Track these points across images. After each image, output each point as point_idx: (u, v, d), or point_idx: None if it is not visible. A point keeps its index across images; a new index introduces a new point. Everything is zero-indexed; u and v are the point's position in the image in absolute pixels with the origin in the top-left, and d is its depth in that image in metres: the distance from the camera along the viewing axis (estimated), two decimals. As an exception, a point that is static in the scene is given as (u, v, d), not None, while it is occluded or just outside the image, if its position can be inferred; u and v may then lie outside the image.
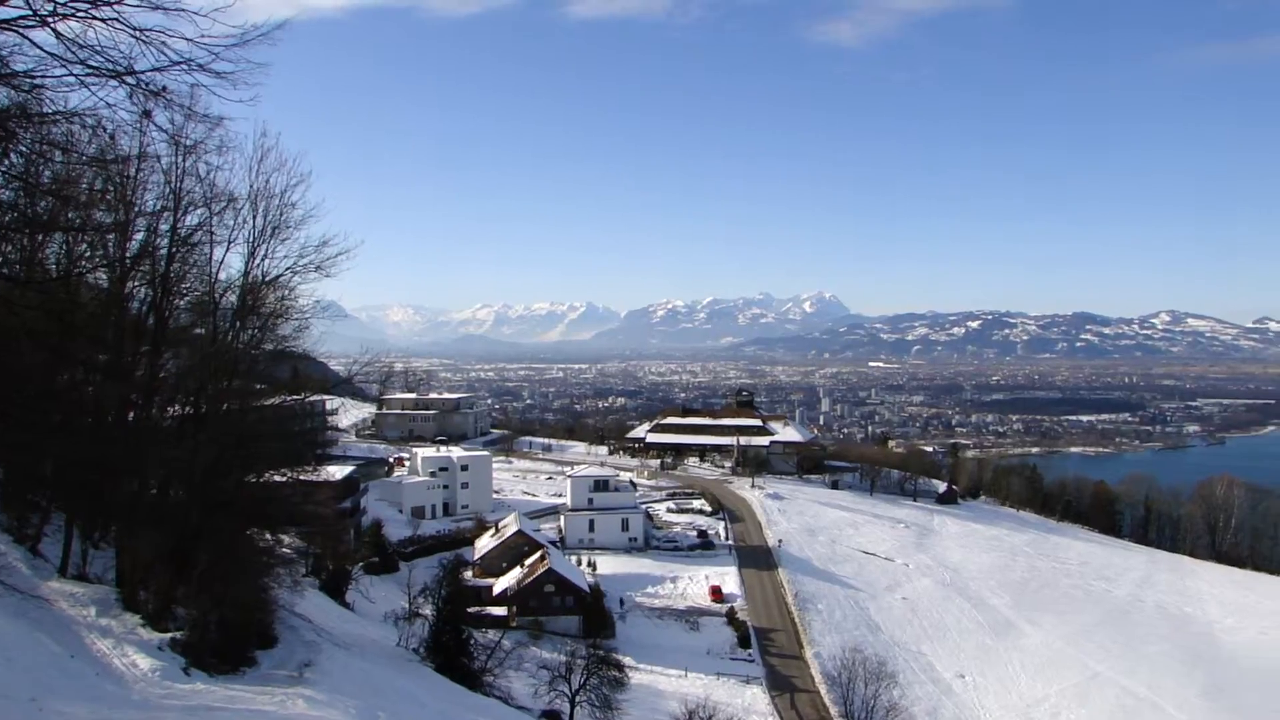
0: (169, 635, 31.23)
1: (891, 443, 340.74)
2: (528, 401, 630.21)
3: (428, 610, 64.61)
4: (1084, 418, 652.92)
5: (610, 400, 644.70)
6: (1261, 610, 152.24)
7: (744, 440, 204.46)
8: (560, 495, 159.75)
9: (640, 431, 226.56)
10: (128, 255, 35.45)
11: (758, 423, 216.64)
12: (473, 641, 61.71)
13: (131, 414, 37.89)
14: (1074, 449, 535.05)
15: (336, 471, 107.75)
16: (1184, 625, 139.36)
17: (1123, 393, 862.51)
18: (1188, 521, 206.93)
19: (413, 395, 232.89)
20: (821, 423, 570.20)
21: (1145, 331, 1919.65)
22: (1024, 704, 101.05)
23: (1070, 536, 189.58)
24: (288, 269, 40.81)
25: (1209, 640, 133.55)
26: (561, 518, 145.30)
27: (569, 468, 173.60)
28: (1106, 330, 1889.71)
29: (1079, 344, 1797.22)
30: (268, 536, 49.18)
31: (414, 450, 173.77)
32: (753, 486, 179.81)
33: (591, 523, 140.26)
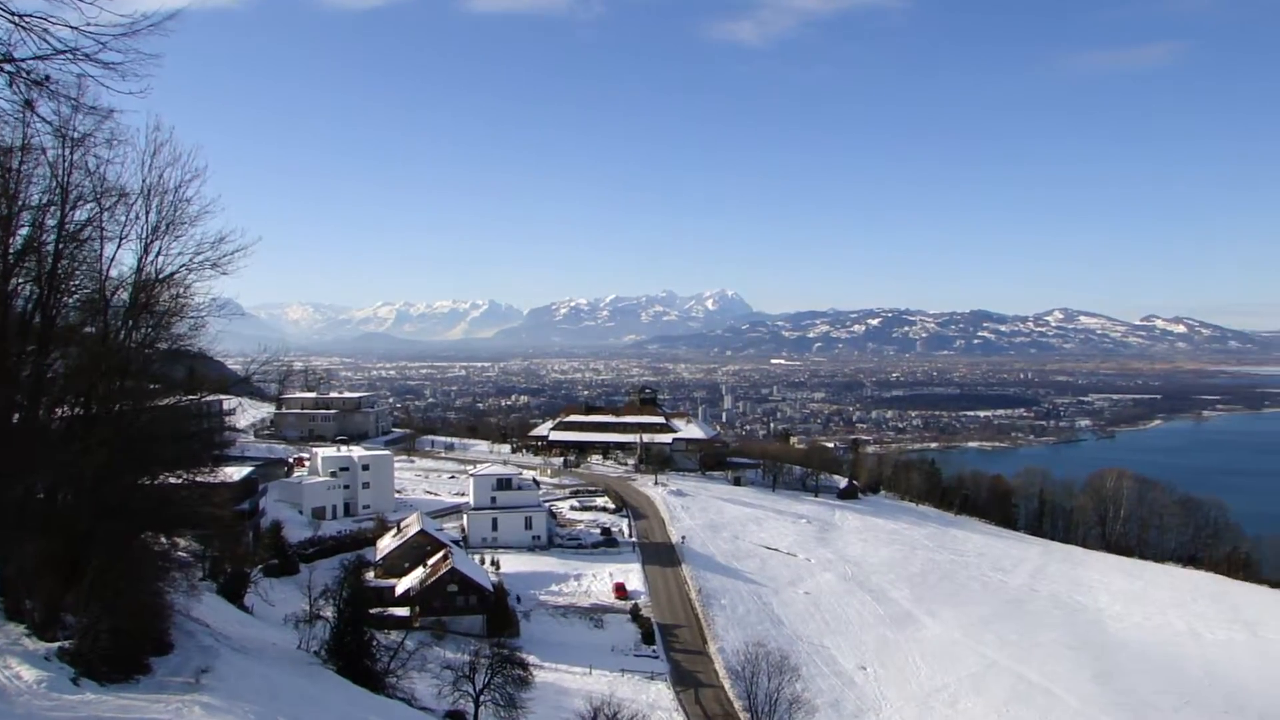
0: (56, 645, 30.26)
1: (793, 439, 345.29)
2: (430, 400, 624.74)
3: (329, 612, 63.52)
4: (981, 413, 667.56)
5: (513, 398, 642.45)
6: (1148, 597, 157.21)
7: (647, 438, 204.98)
8: (463, 494, 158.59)
9: (543, 429, 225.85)
10: (11, 251, 34.23)
11: (661, 420, 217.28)
12: (375, 643, 60.81)
13: (16, 416, 36.64)
14: (972, 444, 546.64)
15: (234, 472, 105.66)
16: (1076, 614, 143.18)
17: (1018, 388, 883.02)
18: (1080, 513, 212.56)
19: (313, 394, 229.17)
20: (724, 420, 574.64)
21: (1040, 329, 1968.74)
22: (923, 693, 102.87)
23: (968, 529, 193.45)
24: (183, 266, 39.69)
25: (1099, 627, 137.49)
26: (464, 517, 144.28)
27: (472, 466, 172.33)
28: (1003, 328, 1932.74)
29: (976, 341, 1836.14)
30: (163, 540, 47.93)
31: (314, 450, 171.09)
32: (656, 484, 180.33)
33: (495, 521, 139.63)
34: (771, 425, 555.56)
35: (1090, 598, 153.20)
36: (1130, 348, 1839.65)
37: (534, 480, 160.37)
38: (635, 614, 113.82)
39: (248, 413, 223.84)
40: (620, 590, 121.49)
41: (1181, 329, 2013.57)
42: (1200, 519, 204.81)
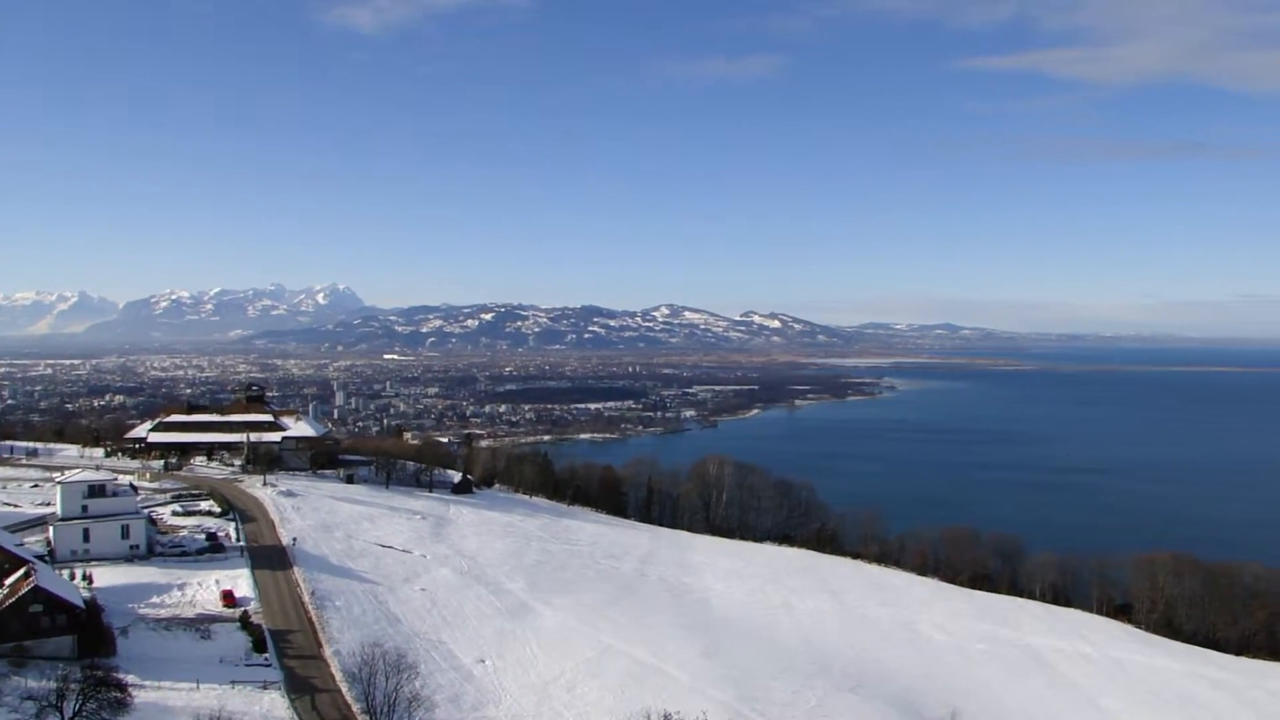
0: None
1: (407, 435, 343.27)
2: (9, 401, 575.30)
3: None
4: (592, 405, 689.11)
5: (108, 398, 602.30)
6: (748, 574, 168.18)
7: (255, 437, 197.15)
8: (49, 504, 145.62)
9: (141, 431, 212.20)
10: None
11: (269, 418, 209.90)
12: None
13: None
14: (583, 436, 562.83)
15: None
16: (684, 594, 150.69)
17: (627, 381, 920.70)
18: (686, 499, 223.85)
19: None
20: (336, 416, 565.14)
21: (647, 324, 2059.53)
22: (542, 681, 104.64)
23: (581, 519, 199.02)
24: None
25: (706, 606, 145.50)
26: (51, 529, 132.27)
27: (59, 473, 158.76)
28: (612, 323, 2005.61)
29: (587, 336, 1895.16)
30: None
31: None
32: (265, 484, 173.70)
33: (86, 532, 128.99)
34: (385, 421, 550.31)
35: (696, 578, 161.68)
36: (731, 342, 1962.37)
37: (131, 485, 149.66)
38: (245, 622, 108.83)
39: None
40: (228, 598, 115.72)
41: (777, 324, 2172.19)
42: (793, 500, 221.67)
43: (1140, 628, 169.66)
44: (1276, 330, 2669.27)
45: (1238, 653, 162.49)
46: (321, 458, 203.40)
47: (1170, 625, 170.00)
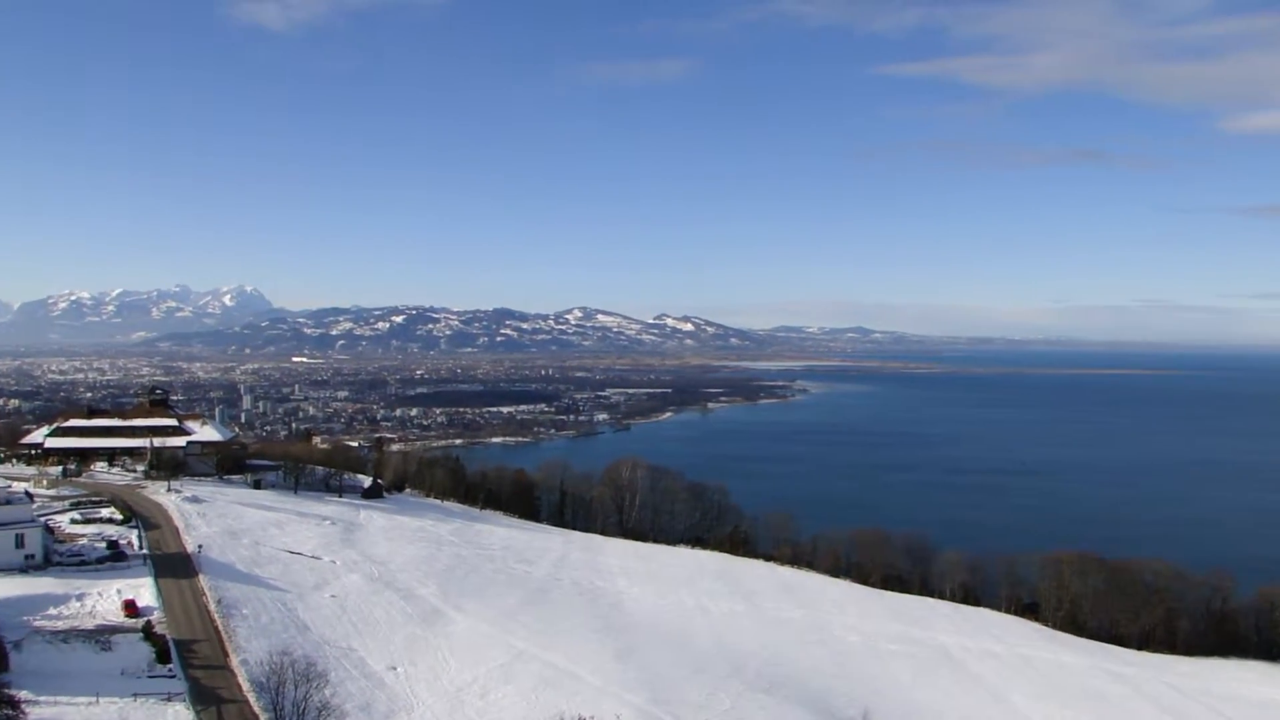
0: None
1: (317, 439, 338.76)
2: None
3: None
4: (504, 409, 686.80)
5: (2, 403, 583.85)
6: (661, 577, 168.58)
7: (158, 442, 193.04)
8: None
9: (38, 436, 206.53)
10: None
11: (173, 423, 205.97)
12: None
13: None
14: (495, 439, 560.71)
15: None
16: (597, 598, 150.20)
17: (540, 384, 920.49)
18: (599, 502, 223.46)
19: None
20: (243, 420, 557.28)
21: (560, 327, 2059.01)
22: (454, 688, 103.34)
23: (493, 523, 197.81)
24: None
25: (619, 609, 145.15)
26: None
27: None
28: (525, 325, 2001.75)
29: (500, 339, 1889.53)
30: None
31: None
32: (169, 490, 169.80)
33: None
34: (294, 425, 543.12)
35: (610, 582, 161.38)
36: (644, 345, 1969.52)
37: (26, 492, 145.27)
38: (148, 632, 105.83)
39: None
40: (130, 608, 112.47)
41: (690, 327, 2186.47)
42: (706, 503, 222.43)
43: (1047, 625, 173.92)
44: (1176, 334, 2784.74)
45: (1139, 647, 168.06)
46: (228, 463, 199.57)
47: (1075, 622, 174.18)
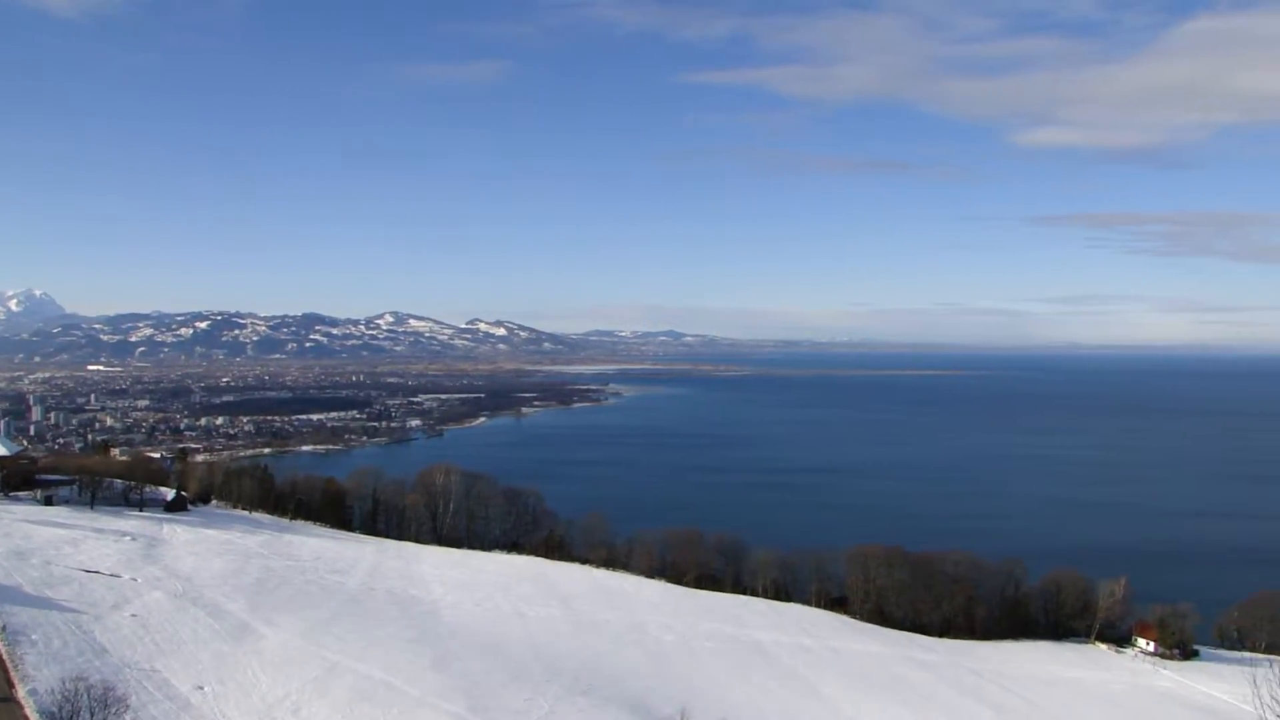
0: None
1: (114, 451, 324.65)
2: None
3: None
4: (315, 416, 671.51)
5: None
6: (477, 583, 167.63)
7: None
8: None
9: None
10: None
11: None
12: None
13: None
14: (305, 447, 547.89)
15: None
16: (412, 607, 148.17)
17: (351, 391, 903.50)
18: (412, 509, 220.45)
19: None
20: (33, 433, 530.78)
21: (371, 332, 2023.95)
22: (265, 705, 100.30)
23: (304, 534, 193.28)
24: None
25: (435, 618, 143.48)
26: None
27: None
28: (335, 331, 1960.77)
29: (309, 344, 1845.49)
30: None
31: None
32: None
33: None
34: (90, 437, 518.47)
35: (425, 590, 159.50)
36: (457, 349, 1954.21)
37: None
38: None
39: None
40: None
41: (503, 331, 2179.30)
42: (521, 507, 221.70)
43: (855, 617, 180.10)
44: (970, 336, 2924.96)
45: (941, 634, 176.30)
46: (15, 478, 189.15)
47: (882, 613, 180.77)
